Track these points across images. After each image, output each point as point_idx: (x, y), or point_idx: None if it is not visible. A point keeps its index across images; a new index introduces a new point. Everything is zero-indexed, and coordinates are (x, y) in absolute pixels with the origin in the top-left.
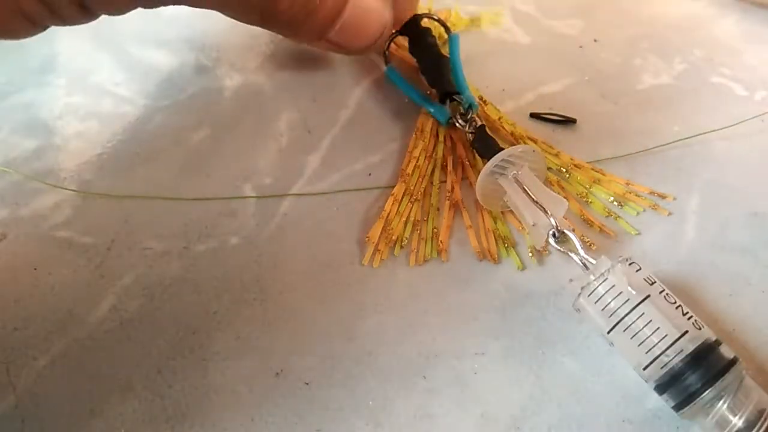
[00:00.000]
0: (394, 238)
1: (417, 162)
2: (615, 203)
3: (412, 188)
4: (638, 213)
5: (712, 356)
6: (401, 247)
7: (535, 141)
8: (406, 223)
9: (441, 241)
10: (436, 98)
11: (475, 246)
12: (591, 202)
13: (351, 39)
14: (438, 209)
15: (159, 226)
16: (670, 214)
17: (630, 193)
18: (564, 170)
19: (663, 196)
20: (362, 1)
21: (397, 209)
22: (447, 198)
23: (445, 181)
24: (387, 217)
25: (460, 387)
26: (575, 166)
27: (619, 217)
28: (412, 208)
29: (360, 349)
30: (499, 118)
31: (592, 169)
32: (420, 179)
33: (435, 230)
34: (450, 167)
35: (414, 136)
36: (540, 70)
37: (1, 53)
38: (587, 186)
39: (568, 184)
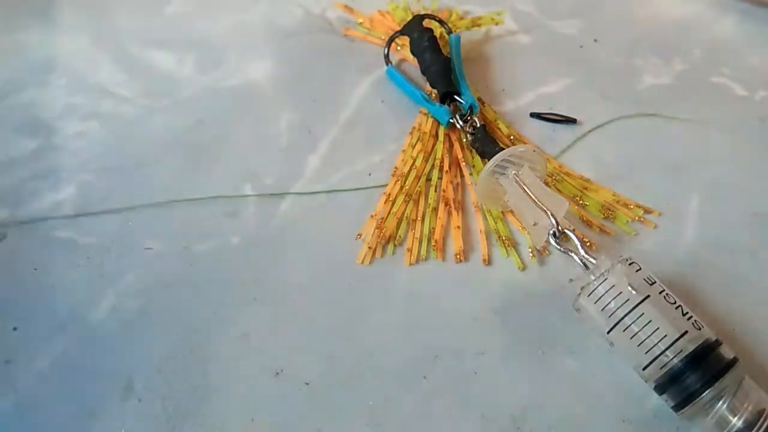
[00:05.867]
0: (387, 235)
1: (414, 162)
2: (602, 217)
3: (407, 187)
4: (627, 222)
5: (711, 356)
6: (395, 245)
7: (526, 144)
8: (400, 221)
9: (435, 240)
10: (436, 98)
11: (458, 246)
12: (587, 204)
13: None
14: (435, 209)
15: (159, 226)
16: (656, 227)
17: (618, 203)
18: (551, 177)
19: (649, 211)
20: None
21: (390, 208)
22: (442, 199)
23: (441, 179)
24: (380, 215)
25: (460, 387)
26: (565, 174)
27: (616, 218)
28: (406, 206)
29: (360, 349)
30: (496, 120)
31: (580, 179)
32: (416, 179)
33: (433, 229)
34: (446, 167)
35: (410, 135)
36: (540, 70)
37: (1, 53)
38: (580, 189)
39: (563, 186)
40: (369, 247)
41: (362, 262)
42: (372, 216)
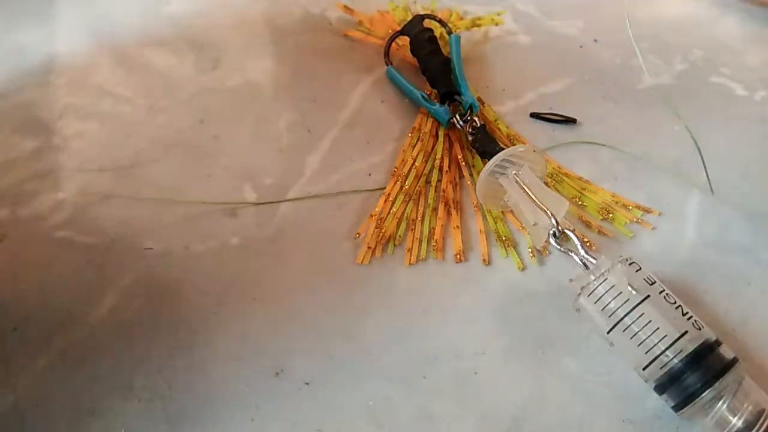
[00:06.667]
0: (387, 235)
1: (414, 162)
2: (601, 218)
3: (407, 187)
4: (625, 224)
5: (711, 356)
6: (395, 245)
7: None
8: (399, 221)
9: (435, 240)
10: (436, 98)
11: (457, 246)
12: (586, 205)
13: None
14: (434, 209)
15: (159, 226)
16: (656, 227)
17: (617, 203)
18: (550, 178)
19: (649, 211)
20: None
21: (390, 208)
22: (442, 199)
23: (440, 180)
24: (379, 215)
25: (460, 387)
26: (564, 174)
27: (615, 219)
28: (406, 206)
29: (360, 349)
30: (495, 120)
31: (579, 179)
32: (416, 178)
33: (432, 230)
34: (446, 167)
35: (409, 135)
36: (540, 70)
37: (1, 53)
38: (579, 190)
39: (562, 187)
40: (369, 247)
41: (362, 262)
42: (371, 216)
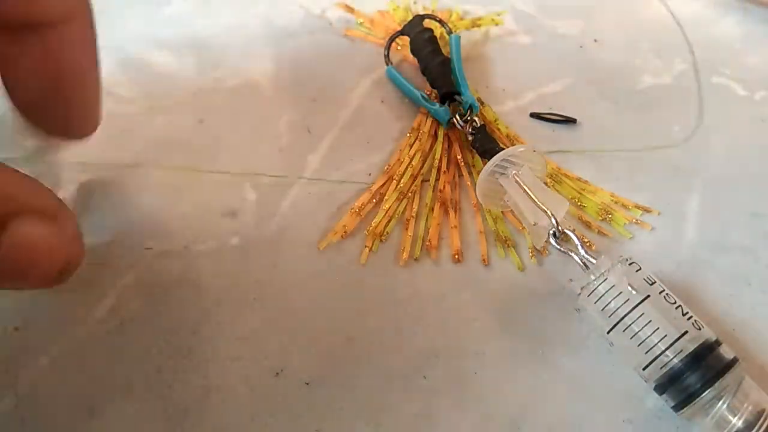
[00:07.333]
0: (387, 234)
1: (411, 161)
2: (600, 218)
3: (404, 186)
4: (624, 225)
5: (711, 356)
6: (395, 245)
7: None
8: (399, 221)
9: (434, 240)
10: (436, 98)
11: (455, 246)
12: (585, 205)
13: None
14: (433, 209)
15: (159, 226)
16: (655, 228)
17: (616, 203)
18: (550, 178)
19: (648, 211)
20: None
21: (389, 208)
22: (438, 198)
23: (438, 180)
24: (377, 214)
25: (460, 387)
26: (564, 175)
27: (614, 220)
28: (405, 206)
29: (360, 349)
30: (495, 120)
31: (578, 179)
32: (413, 177)
33: (431, 230)
34: (444, 167)
35: (408, 134)
36: (540, 70)
37: None
38: (578, 191)
39: (561, 188)
40: (368, 247)
41: (362, 262)
42: (351, 210)
